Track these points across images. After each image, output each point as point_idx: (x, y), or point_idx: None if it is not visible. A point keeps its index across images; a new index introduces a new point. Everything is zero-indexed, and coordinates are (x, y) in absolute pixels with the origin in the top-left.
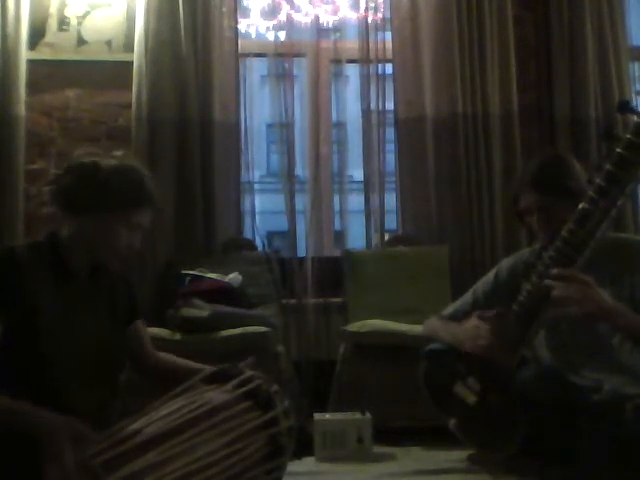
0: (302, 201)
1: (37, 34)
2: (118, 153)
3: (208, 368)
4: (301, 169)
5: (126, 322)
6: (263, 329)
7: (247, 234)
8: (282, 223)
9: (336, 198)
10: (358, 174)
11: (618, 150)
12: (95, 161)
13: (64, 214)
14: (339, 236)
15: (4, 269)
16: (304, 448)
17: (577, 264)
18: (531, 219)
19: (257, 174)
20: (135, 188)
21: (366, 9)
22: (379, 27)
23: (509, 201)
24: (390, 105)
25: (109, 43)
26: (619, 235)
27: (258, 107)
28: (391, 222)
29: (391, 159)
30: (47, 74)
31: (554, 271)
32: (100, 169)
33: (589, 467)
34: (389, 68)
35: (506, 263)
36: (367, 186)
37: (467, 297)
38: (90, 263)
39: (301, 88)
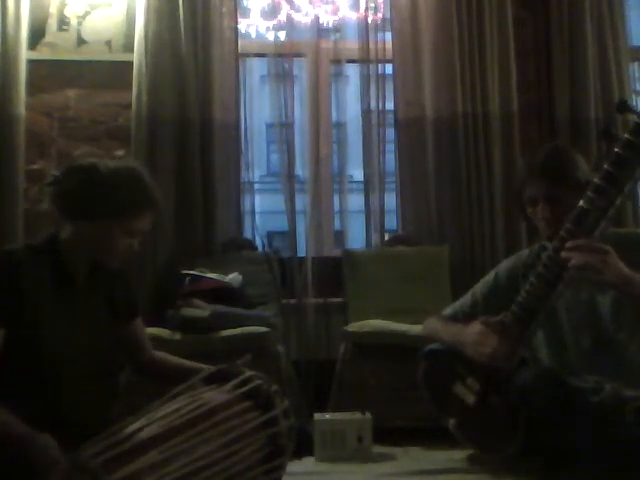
0: (302, 201)
1: (37, 34)
2: (119, 153)
3: (205, 367)
4: (301, 169)
5: (126, 319)
6: (263, 329)
7: (247, 234)
8: (282, 223)
9: (336, 198)
10: (358, 174)
11: (616, 150)
12: (94, 164)
13: (63, 217)
14: (339, 236)
15: (2, 273)
16: (304, 448)
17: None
18: (535, 210)
19: (257, 174)
20: (135, 194)
21: (366, 9)
22: (379, 27)
23: (510, 195)
24: (390, 105)
25: (109, 43)
26: (619, 230)
27: (258, 107)
28: (391, 222)
29: (391, 159)
30: (47, 74)
31: (569, 243)
32: (99, 174)
33: (589, 468)
34: (389, 68)
35: (505, 265)
36: (367, 186)
37: (466, 298)
38: (89, 264)
39: (301, 88)
